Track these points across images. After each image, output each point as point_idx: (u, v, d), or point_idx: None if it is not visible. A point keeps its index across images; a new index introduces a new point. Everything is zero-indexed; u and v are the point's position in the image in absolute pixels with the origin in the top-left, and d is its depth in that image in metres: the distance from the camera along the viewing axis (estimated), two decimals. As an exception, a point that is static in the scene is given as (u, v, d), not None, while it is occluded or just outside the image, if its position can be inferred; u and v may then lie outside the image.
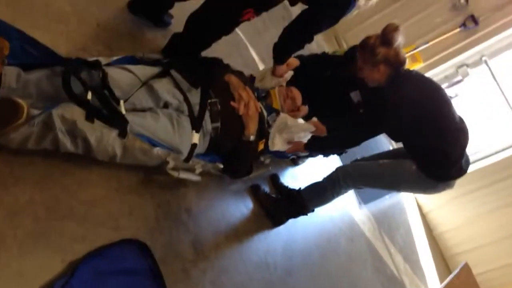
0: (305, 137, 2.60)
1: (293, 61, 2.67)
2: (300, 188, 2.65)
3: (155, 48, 2.46)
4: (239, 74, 2.42)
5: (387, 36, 2.14)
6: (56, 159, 1.58)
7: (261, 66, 3.57)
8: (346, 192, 2.48)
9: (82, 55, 1.95)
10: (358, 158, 2.69)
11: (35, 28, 1.81)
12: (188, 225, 2.00)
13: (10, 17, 1.69)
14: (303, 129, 2.54)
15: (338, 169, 2.47)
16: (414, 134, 2.20)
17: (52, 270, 1.39)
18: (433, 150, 2.17)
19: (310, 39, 2.45)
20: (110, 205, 1.70)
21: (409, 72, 2.24)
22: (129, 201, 1.79)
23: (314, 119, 2.69)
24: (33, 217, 1.43)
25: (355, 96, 2.63)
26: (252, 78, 2.69)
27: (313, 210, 2.58)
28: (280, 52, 2.49)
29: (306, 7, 2.31)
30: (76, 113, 1.49)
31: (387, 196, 4.36)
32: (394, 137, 2.36)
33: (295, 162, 3.22)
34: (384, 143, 2.60)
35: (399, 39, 2.15)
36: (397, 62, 2.17)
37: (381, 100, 2.21)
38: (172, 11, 2.62)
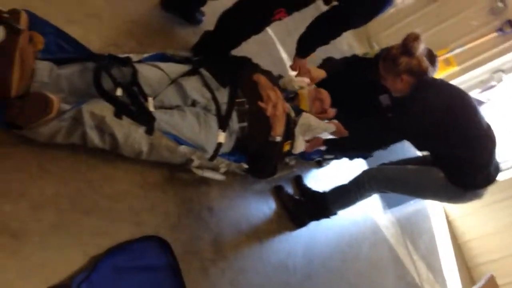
0: (325, 134, 2.57)
1: (319, 74, 2.63)
2: (324, 191, 2.63)
3: (186, 45, 2.47)
4: (267, 73, 2.41)
5: (408, 45, 2.12)
6: (82, 153, 1.61)
7: (288, 65, 3.54)
8: (370, 195, 2.45)
9: (114, 51, 1.98)
10: (386, 162, 2.65)
11: (69, 22, 1.84)
12: (210, 224, 2.01)
13: (45, 11, 1.71)
14: (324, 129, 2.51)
15: (364, 172, 2.44)
16: (438, 143, 2.16)
17: (73, 264, 1.41)
18: (458, 158, 2.13)
19: (337, 36, 2.42)
20: (133, 201, 1.72)
21: (434, 80, 2.19)
22: (152, 197, 1.81)
23: (335, 121, 2.66)
24: (57, 210, 1.45)
25: (384, 99, 2.59)
26: (280, 78, 2.68)
27: (336, 213, 2.56)
28: (304, 45, 2.46)
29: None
30: (105, 109, 1.51)
31: (411, 202, 4.28)
32: (418, 146, 2.32)
33: (320, 164, 3.19)
34: (412, 148, 2.53)
35: (421, 48, 2.12)
36: (420, 71, 2.14)
37: (405, 108, 2.18)
38: (204, 9, 2.63)
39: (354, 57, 2.89)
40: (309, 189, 2.76)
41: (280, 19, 2.18)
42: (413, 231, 4.33)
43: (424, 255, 4.21)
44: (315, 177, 3.08)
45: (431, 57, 2.20)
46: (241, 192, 2.33)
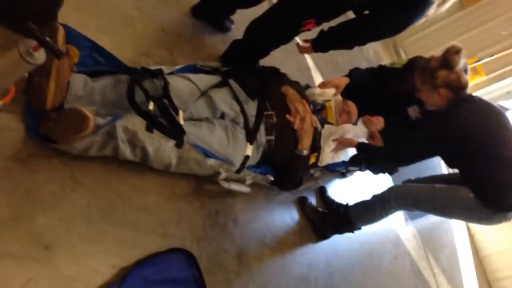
0: (357, 137, 2.52)
1: (342, 81, 2.59)
2: (347, 203, 2.61)
3: (215, 53, 2.48)
4: (295, 84, 2.39)
5: (448, 58, 2.07)
6: (113, 165, 1.62)
7: (315, 73, 3.53)
8: (395, 212, 2.42)
9: (145, 60, 2.00)
10: (412, 178, 2.61)
11: (104, 32, 1.86)
12: (234, 236, 2.01)
13: (80, 21, 1.74)
14: (343, 131, 2.47)
15: (390, 189, 2.40)
16: (472, 162, 2.10)
17: (102, 276, 1.43)
18: (490, 179, 2.07)
19: (361, 44, 2.39)
20: (161, 212, 1.73)
21: (471, 97, 2.15)
22: (179, 209, 1.81)
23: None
24: (88, 221, 1.47)
25: (413, 111, 2.54)
26: (308, 88, 2.66)
27: (360, 228, 2.53)
28: (322, 42, 2.36)
29: None
30: (137, 123, 1.52)
31: (434, 214, 4.21)
32: (449, 163, 2.27)
33: (343, 174, 3.16)
34: (437, 163, 2.45)
35: (461, 62, 2.07)
36: (459, 86, 2.09)
37: (439, 122, 2.13)
38: (233, 17, 2.63)
39: (381, 68, 2.82)
40: (332, 201, 2.74)
41: (309, 29, 2.16)
42: (435, 244, 4.28)
43: (445, 269, 4.16)
44: (339, 187, 3.06)
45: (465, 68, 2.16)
46: (266, 203, 2.32)
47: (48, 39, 0.96)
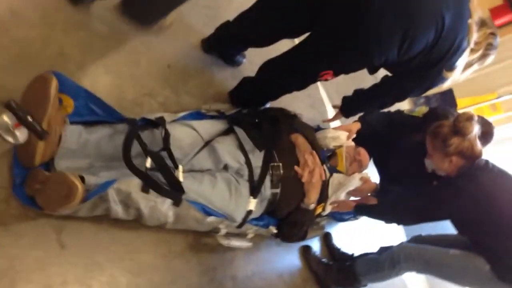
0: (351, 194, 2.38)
1: (353, 127, 2.49)
2: (353, 255, 2.46)
3: (224, 89, 2.35)
4: (306, 129, 2.25)
5: (459, 125, 1.93)
6: (104, 223, 1.51)
7: (328, 107, 3.39)
8: (406, 273, 2.25)
9: (148, 101, 1.89)
10: (422, 234, 2.46)
11: (106, 71, 1.76)
12: (232, 295, 1.88)
13: (81, 60, 1.64)
14: (354, 184, 2.32)
15: (400, 248, 2.23)
16: (486, 233, 1.94)
17: None
18: (506, 251, 1.92)
19: (389, 106, 2.31)
20: (154, 274, 1.61)
21: (486, 164, 1.98)
22: (174, 268, 1.69)
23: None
24: (74, 290, 1.35)
25: (430, 164, 2.38)
26: (319, 130, 2.53)
27: (365, 285, 2.38)
28: (349, 108, 2.38)
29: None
30: (131, 184, 1.41)
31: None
32: (460, 229, 2.10)
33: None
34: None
35: (475, 130, 1.93)
36: (472, 155, 1.95)
37: (454, 186, 1.98)
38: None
39: (399, 115, 2.65)
40: (338, 250, 2.59)
41: (326, 80, 2.03)
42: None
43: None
44: (342, 230, 2.91)
45: (486, 133, 2.03)
46: (267, 255, 2.19)
47: (30, 118, 0.84)
